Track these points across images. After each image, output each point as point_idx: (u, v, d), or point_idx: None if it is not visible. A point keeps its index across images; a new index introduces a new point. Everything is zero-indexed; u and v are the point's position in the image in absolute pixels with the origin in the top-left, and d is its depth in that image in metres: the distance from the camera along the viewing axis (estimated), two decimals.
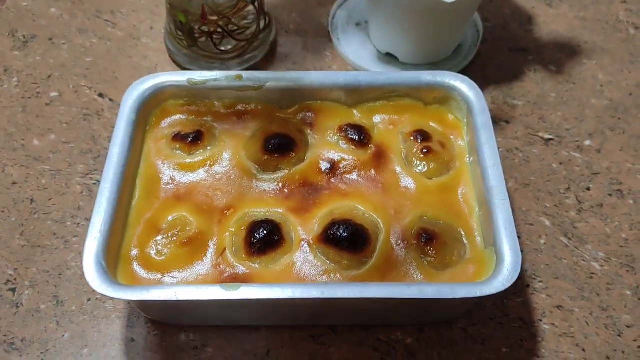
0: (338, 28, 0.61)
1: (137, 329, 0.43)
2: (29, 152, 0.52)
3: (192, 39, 0.55)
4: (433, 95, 0.47)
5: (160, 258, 0.40)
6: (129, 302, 0.43)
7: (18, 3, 0.63)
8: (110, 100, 0.55)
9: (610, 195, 0.49)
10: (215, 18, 0.53)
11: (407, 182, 0.44)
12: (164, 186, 0.43)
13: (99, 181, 0.50)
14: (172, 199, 0.43)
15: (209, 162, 0.45)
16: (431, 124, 0.47)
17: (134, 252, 0.40)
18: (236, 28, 0.55)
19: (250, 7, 0.55)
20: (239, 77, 0.46)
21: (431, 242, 0.40)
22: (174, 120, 0.47)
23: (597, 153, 0.52)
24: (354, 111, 0.47)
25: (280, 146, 0.44)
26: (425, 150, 0.44)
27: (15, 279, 0.45)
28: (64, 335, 0.43)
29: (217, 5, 0.52)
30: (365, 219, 0.42)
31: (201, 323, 0.43)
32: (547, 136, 0.53)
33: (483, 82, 0.57)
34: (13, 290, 0.45)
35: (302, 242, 0.41)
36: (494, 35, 0.60)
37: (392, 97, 0.47)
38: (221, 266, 0.40)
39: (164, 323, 0.43)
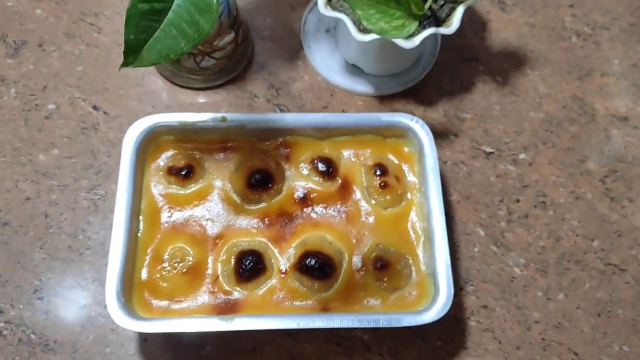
0: (309, 35, 0.66)
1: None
2: (37, 168, 0.59)
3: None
4: (391, 132, 0.55)
5: (166, 285, 0.49)
6: None
7: (3, 3, 0.66)
8: (104, 113, 0.61)
9: (535, 206, 0.60)
10: None
11: (367, 212, 0.53)
12: (163, 218, 0.52)
13: (102, 196, 0.58)
14: (171, 230, 0.51)
15: (200, 195, 0.53)
16: (389, 155, 0.55)
17: (144, 280, 0.49)
18: (216, 48, 0.60)
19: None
20: (224, 119, 0.53)
21: (384, 269, 0.50)
22: (168, 155, 0.54)
23: (529, 166, 0.61)
24: (324, 144, 0.55)
25: (261, 181, 0.53)
26: (382, 184, 0.53)
27: (42, 288, 0.54)
28: (89, 337, 0.53)
29: None
30: (331, 247, 0.51)
31: None
32: (488, 149, 0.62)
33: (438, 94, 0.64)
34: (41, 298, 0.54)
35: (281, 270, 0.50)
36: (450, 44, 0.67)
37: (357, 133, 0.55)
38: (216, 291, 0.49)
39: None
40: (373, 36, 0.54)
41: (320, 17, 0.67)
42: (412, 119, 0.54)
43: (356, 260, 0.51)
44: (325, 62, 0.65)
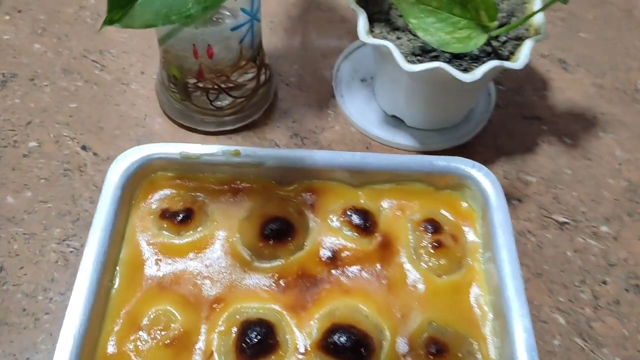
0: (342, 83, 0.57)
1: None
2: (1, 211, 0.47)
3: (186, 93, 0.50)
4: (445, 182, 0.43)
5: None
6: None
7: None
8: (94, 154, 0.51)
9: (627, 290, 0.46)
10: (212, 76, 0.49)
11: (415, 279, 0.40)
12: (147, 272, 0.39)
13: (76, 249, 0.46)
14: (155, 288, 0.39)
15: (199, 246, 0.41)
16: (442, 211, 0.43)
17: (111, 354, 0.36)
18: (234, 85, 0.51)
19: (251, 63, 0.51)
20: (237, 153, 0.42)
21: (441, 355, 0.37)
22: (162, 195, 0.42)
23: (614, 241, 0.49)
24: (360, 192, 0.43)
25: (278, 232, 0.40)
26: (435, 244, 0.41)
27: None
28: None
29: (216, 63, 0.48)
30: (368, 322, 0.38)
31: None
32: (561, 219, 0.50)
33: (495, 152, 0.53)
34: None
35: (299, 348, 0.37)
36: (506, 100, 0.57)
37: (402, 180, 0.43)
38: None
39: None
40: (424, 66, 0.44)
41: (355, 65, 0.58)
42: (474, 166, 0.43)
43: (401, 342, 0.37)
44: (360, 112, 0.55)
